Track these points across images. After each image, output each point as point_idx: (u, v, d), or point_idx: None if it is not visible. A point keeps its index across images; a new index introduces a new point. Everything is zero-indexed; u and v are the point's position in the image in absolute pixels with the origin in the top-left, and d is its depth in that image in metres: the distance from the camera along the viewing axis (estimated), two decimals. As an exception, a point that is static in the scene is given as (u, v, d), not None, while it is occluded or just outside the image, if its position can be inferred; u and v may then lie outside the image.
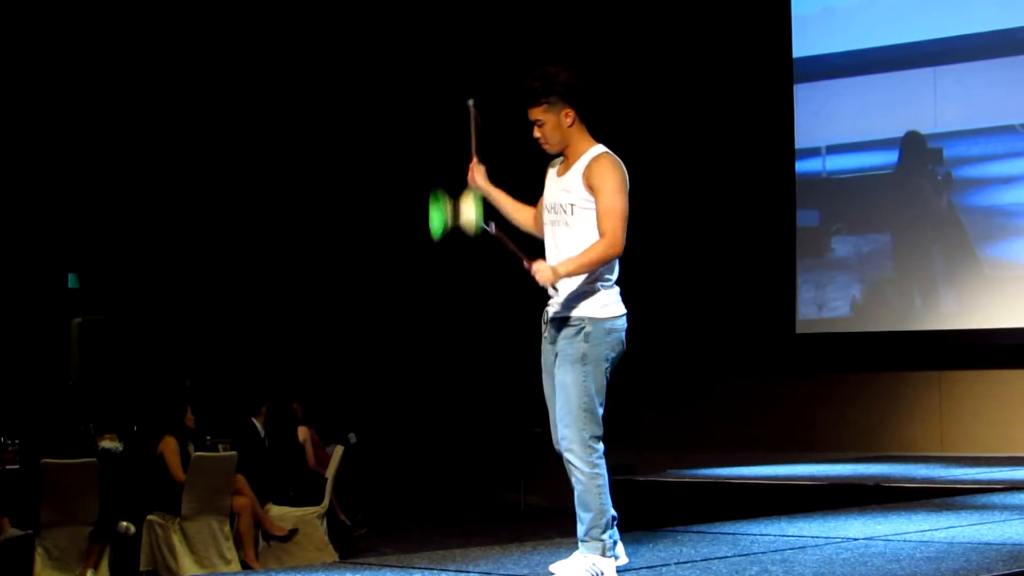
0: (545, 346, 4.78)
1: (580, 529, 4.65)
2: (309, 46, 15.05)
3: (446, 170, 5.12)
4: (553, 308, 4.73)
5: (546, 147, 4.72)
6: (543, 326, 4.76)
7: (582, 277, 4.64)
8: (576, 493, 4.63)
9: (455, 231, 4.64)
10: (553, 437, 4.76)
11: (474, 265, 12.05)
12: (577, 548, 4.73)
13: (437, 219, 4.59)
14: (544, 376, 4.81)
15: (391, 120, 14.77)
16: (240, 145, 14.99)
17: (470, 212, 4.61)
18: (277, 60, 14.97)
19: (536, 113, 4.68)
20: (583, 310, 4.65)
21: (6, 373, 13.53)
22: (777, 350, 13.32)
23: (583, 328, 4.63)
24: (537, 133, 4.70)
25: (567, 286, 4.66)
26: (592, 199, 4.64)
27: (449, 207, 4.61)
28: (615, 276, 4.74)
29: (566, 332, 4.65)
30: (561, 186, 4.70)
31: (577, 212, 4.66)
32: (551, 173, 4.82)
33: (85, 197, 14.37)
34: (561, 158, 4.78)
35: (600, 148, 4.72)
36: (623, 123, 14.29)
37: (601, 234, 4.61)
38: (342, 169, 15.28)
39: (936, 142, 12.42)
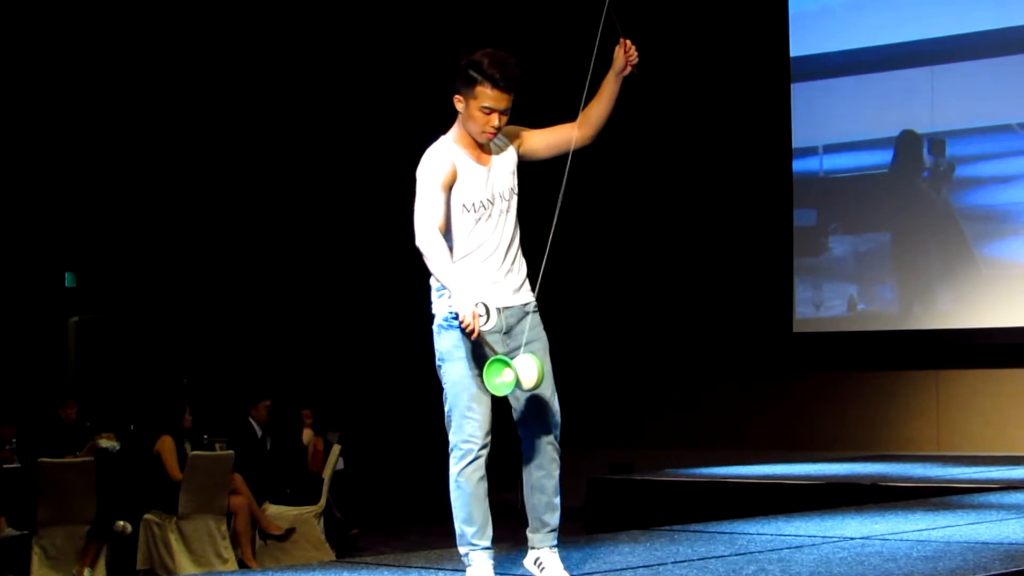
0: (496, 337, 4.30)
1: (555, 519, 4.44)
2: (307, 47, 15.05)
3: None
4: (507, 295, 4.39)
5: (491, 139, 4.38)
6: (484, 316, 4.20)
7: (522, 260, 4.45)
8: (553, 485, 4.42)
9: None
10: (480, 436, 4.29)
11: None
12: (531, 547, 4.52)
13: (499, 379, 4.20)
14: (478, 370, 4.31)
15: (387, 121, 14.76)
16: (237, 145, 14.99)
17: (532, 372, 4.20)
18: (275, 60, 14.98)
19: (508, 102, 4.36)
20: (531, 294, 4.45)
21: (3, 372, 13.53)
22: (774, 349, 13.33)
23: (537, 312, 4.44)
24: (497, 123, 4.33)
25: (520, 270, 4.44)
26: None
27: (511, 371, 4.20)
28: None
29: (533, 320, 4.40)
30: (502, 170, 4.40)
31: (514, 195, 4.44)
32: (469, 167, 4.36)
33: (82, 196, 14.36)
34: (461, 151, 4.37)
35: None
36: (620, 122, 14.29)
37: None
38: (341, 171, 15.28)
39: (933, 142, 12.43)
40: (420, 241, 4.22)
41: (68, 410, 10.17)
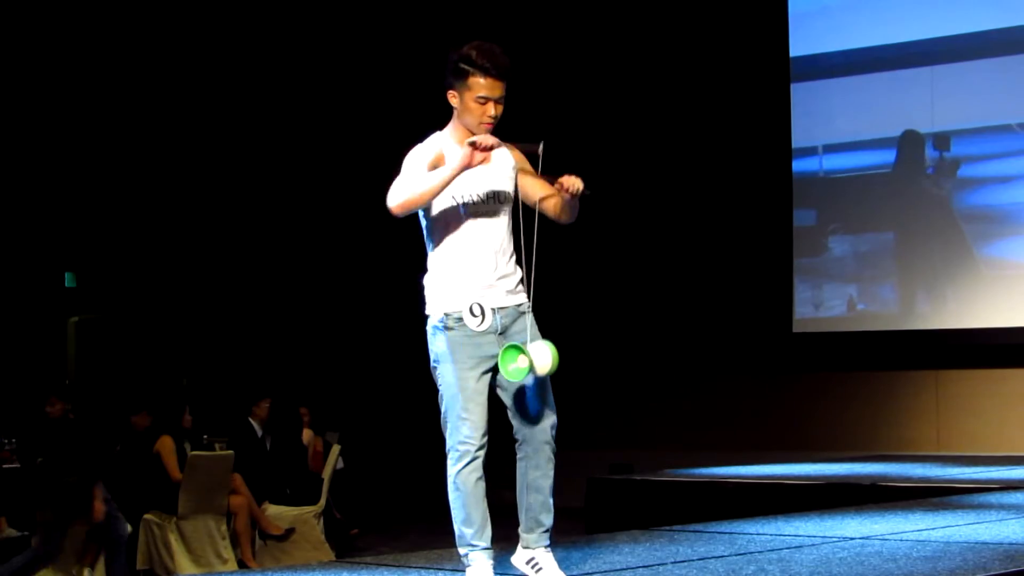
0: (491, 338, 4.31)
1: (550, 519, 4.42)
2: (305, 48, 15.05)
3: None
4: (501, 296, 4.35)
5: (490, 129, 4.33)
6: (479, 317, 4.28)
7: (516, 262, 4.41)
8: (549, 485, 4.41)
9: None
10: (476, 437, 4.27)
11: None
12: (523, 547, 4.48)
13: (514, 366, 4.22)
14: (477, 371, 4.31)
15: (385, 123, 14.76)
16: (236, 146, 14.99)
17: (546, 357, 4.21)
18: (273, 61, 14.97)
19: (501, 90, 4.30)
20: (525, 295, 4.42)
21: (2, 372, 13.52)
22: (774, 349, 13.33)
23: (531, 313, 4.40)
24: (493, 111, 4.29)
25: (515, 271, 4.41)
26: None
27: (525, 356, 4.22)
28: None
29: (530, 319, 4.38)
30: (500, 172, 4.37)
31: (510, 199, 4.41)
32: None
33: (82, 196, 14.36)
34: (456, 146, 4.32)
35: None
36: (620, 122, 14.30)
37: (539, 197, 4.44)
38: (339, 172, 15.27)
39: (933, 142, 12.43)
40: (391, 197, 4.28)
41: (53, 407, 10.04)
